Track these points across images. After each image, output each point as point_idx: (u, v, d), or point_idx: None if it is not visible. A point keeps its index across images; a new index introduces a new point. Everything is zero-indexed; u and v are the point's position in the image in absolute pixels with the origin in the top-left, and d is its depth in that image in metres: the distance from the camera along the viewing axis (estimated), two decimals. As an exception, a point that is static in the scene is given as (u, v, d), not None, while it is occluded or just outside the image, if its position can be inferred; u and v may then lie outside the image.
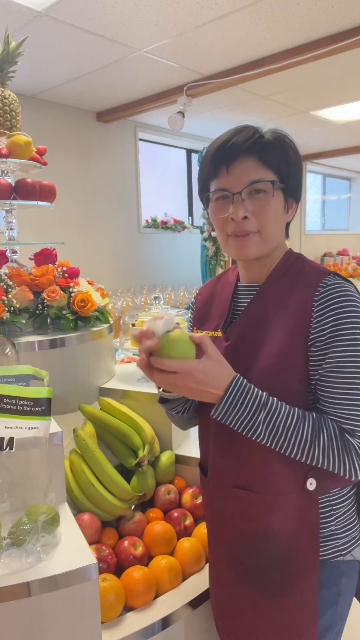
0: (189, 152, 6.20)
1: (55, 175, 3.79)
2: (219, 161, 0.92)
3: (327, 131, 5.73)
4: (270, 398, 0.87)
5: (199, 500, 1.44)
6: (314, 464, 0.89)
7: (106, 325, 1.68)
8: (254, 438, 0.88)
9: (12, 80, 1.66)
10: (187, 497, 1.45)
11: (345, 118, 5.22)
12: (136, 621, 1.08)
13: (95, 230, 4.89)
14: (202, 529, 1.35)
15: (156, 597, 1.16)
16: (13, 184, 1.62)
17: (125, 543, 1.24)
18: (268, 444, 0.88)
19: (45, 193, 1.68)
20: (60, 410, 1.48)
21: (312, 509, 0.93)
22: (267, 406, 0.86)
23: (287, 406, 0.88)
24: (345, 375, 0.86)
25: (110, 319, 1.73)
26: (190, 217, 6.33)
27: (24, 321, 1.48)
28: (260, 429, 0.86)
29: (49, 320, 1.57)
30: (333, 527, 0.96)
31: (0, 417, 0.87)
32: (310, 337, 0.88)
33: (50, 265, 1.64)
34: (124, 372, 1.84)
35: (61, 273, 1.64)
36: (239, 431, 0.88)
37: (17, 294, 1.49)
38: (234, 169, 0.91)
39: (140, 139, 5.35)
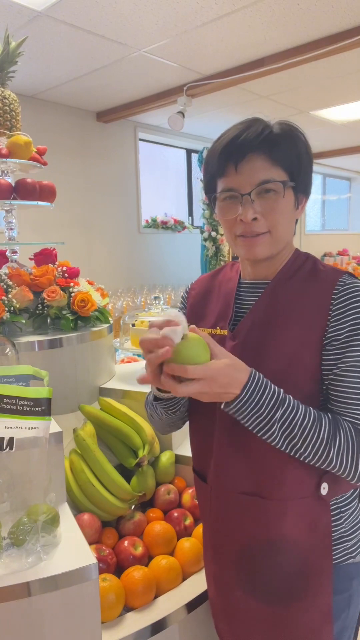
0: (189, 152, 6.20)
1: (55, 175, 3.79)
2: (226, 159, 0.88)
3: (327, 131, 5.73)
4: (288, 396, 0.84)
5: (199, 500, 1.44)
6: (323, 466, 0.86)
7: (106, 325, 1.68)
8: (265, 437, 0.84)
9: (12, 80, 1.66)
10: (187, 497, 1.45)
11: (345, 118, 5.22)
12: (136, 621, 1.08)
13: (95, 230, 4.89)
14: (202, 529, 1.35)
15: (156, 597, 1.16)
16: (13, 184, 1.62)
17: (125, 543, 1.24)
18: (279, 445, 0.84)
19: (45, 193, 1.68)
20: (60, 410, 1.48)
21: (324, 513, 0.91)
22: (284, 403, 0.82)
23: (304, 405, 0.84)
24: None
25: (110, 319, 1.73)
26: (190, 217, 6.33)
27: (24, 321, 1.48)
28: (275, 427, 0.82)
29: (49, 320, 1.57)
30: (342, 530, 0.94)
31: (0, 417, 0.87)
32: (327, 336, 0.86)
33: (50, 265, 1.64)
34: (124, 372, 1.84)
35: (61, 273, 1.63)
36: (252, 429, 0.84)
37: (17, 294, 1.49)
38: (242, 168, 0.87)
39: (140, 139, 5.36)
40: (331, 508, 0.93)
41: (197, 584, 1.21)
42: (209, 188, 0.95)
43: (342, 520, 0.94)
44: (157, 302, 1.88)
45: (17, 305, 1.48)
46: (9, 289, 1.50)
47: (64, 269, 1.66)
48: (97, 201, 4.88)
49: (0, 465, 0.92)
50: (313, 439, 0.83)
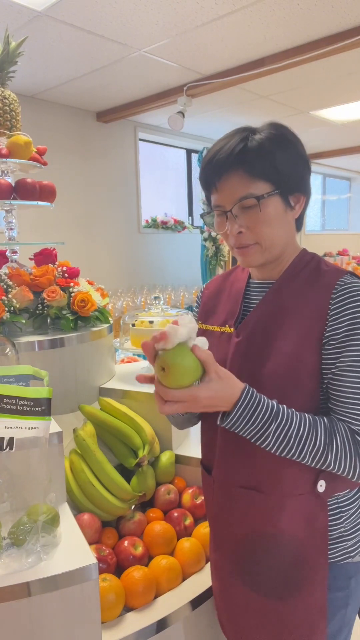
0: (189, 152, 6.20)
1: (55, 175, 3.79)
2: (207, 179, 0.93)
3: (327, 131, 5.73)
4: (282, 408, 0.86)
5: (199, 500, 1.44)
6: (322, 468, 0.88)
7: (106, 325, 1.68)
8: (263, 447, 0.87)
9: (12, 80, 1.66)
10: (187, 497, 1.45)
11: (345, 118, 5.22)
12: (136, 621, 1.08)
13: (95, 230, 4.89)
14: (202, 529, 1.35)
15: (156, 597, 1.16)
16: (13, 184, 1.62)
17: (125, 543, 1.24)
18: (277, 453, 0.87)
19: (45, 193, 1.68)
20: (60, 410, 1.48)
21: (321, 511, 0.93)
22: (278, 417, 0.85)
23: (299, 415, 0.86)
24: (358, 375, 0.86)
25: (110, 319, 1.73)
26: (190, 217, 6.33)
27: (24, 321, 1.48)
28: (270, 439, 0.85)
29: (49, 320, 1.57)
30: (342, 529, 0.95)
31: (0, 417, 0.87)
32: (325, 335, 0.88)
33: (50, 265, 1.64)
34: (124, 372, 1.84)
35: (61, 273, 1.63)
36: (248, 439, 0.87)
37: (17, 294, 1.49)
38: (222, 186, 0.91)
39: (140, 139, 5.36)
40: (331, 507, 0.94)
41: (197, 583, 1.21)
42: (208, 201, 0.99)
43: (341, 520, 0.95)
44: (157, 302, 1.88)
45: (17, 305, 1.48)
46: (9, 289, 1.50)
47: (64, 269, 1.66)
48: (97, 201, 4.88)
49: (0, 465, 0.92)
50: (309, 447, 0.85)
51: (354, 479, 0.89)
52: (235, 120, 5.10)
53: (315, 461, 0.86)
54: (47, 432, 0.91)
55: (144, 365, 1.93)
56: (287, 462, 0.90)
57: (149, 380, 0.86)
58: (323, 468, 0.88)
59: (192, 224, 6.19)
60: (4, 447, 0.87)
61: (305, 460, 0.87)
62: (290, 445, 0.85)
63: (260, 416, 0.84)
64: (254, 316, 0.97)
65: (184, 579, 1.23)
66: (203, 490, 1.14)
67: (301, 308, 0.91)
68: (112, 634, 1.04)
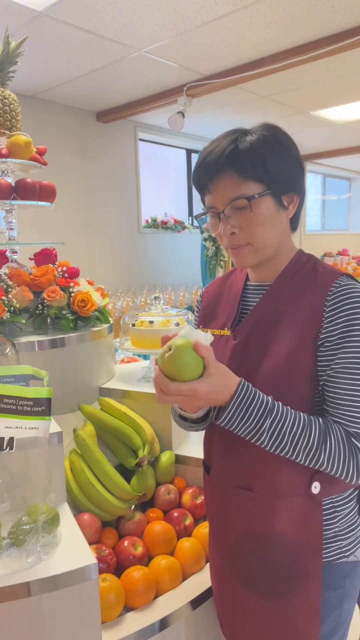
0: (189, 152, 6.20)
1: (55, 175, 3.79)
2: (199, 181, 0.94)
3: (327, 131, 5.73)
4: (277, 404, 0.86)
5: (199, 500, 1.44)
6: (316, 467, 0.88)
7: (106, 325, 1.68)
8: (257, 444, 0.88)
9: (12, 80, 1.66)
10: (187, 497, 1.45)
11: (345, 118, 5.22)
12: (136, 621, 1.08)
13: (95, 230, 4.89)
14: (202, 529, 1.35)
15: (156, 597, 1.16)
16: (13, 184, 1.62)
17: (125, 543, 1.24)
18: (272, 451, 0.87)
19: (45, 193, 1.68)
20: (60, 410, 1.48)
21: (315, 511, 0.93)
22: (273, 412, 0.85)
23: (293, 412, 0.87)
24: (353, 377, 0.86)
25: (110, 319, 1.73)
26: (190, 217, 6.32)
27: (24, 321, 1.48)
28: (265, 435, 0.85)
29: (49, 320, 1.57)
30: (337, 529, 0.96)
31: (0, 417, 0.87)
32: (321, 337, 0.88)
33: (50, 265, 1.64)
34: (124, 372, 1.84)
35: (61, 273, 1.64)
36: (244, 437, 0.88)
37: (17, 294, 1.49)
38: (214, 187, 0.92)
39: (140, 139, 5.35)
40: (326, 507, 0.95)
41: (197, 583, 1.21)
42: (203, 203, 1.00)
43: (336, 520, 0.96)
44: (157, 302, 1.88)
45: (17, 305, 1.48)
46: (9, 289, 1.50)
47: (64, 269, 1.66)
48: (97, 201, 4.88)
49: (0, 465, 0.92)
50: (303, 445, 0.86)
51: (348, 481, 0.88)
52: (235, 120, 5.10)
53: (308, 460, 0.87)
54: (47, 432, 0.91)
55: (144, 365, 1.93)
56: (282, 463, 0.90)
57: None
58: (317, 468, 0.88)
59: (192, 224, 6.18)
60: (4, 447, 0.87)
61: (299, 458, 0.87)
62: (284, 442, 0.85)
63: (256, 410, 0.85)
64: (251, 319, 0.98)
65: (184, 579, 1.23)
66: (203, 490, 1.15)
67: (297, 310, 0.92)
68: (112, 634, 1.04)
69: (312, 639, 0.96)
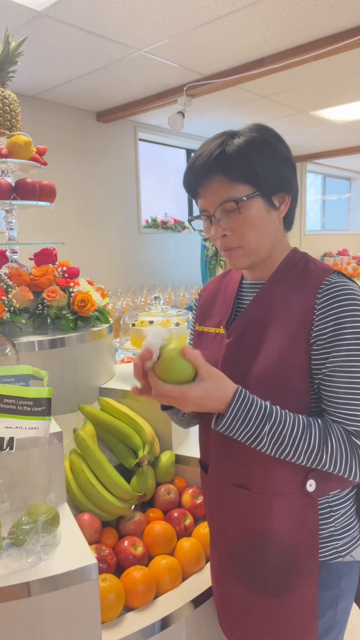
0: (189, 152, 6.20)
1: (55, 175, 3.79)
2: (189, 185, 0.95)
3: (327, 131, 5.73)
4: (275, 408, 0.86)
5: (199, 500, 1.44)
6: (318, 468, 0.88)
7: (106, 325, 1.68)
8: (258, 448, 0.87)
9: (12, 80, 1.66)
10: (187, 497, 1.45)
11: (345, 118, 5.22)
12: (136, 621, 1.08)
13: (95, 230, 4.89)
14: (202, 529, 1.35)
15: (156, 597, 1.16)
16: (13, 184, 1.62)
17: (125, 543, 1.24)
18: (272, 454, 0.87)
19: (45, 193, 1.68)
20: (60, 410, 1.48)
21: (311, 510, 0.93)
22: (271, 417, 0.85)
23: (292, 415, 0.87)
24: (350, 375, 0.86)
25: (110, 319, 1.73)
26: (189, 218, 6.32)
27: (24, 321, 1.48)
28: (265, 440, 0.85)
29: (49, 320, 1.57)
30: (332, 529, 0.96)
31: (0, 417, 0.87)
32: (312, 335, 0.88)
33: (50, 265, 1.64)
34: (124, 372, 1.84)
35: (61, 273, 1.64)
36: (243, 442, 0.88)
37: (17, 294, 1.49)
38: (204, 191, 0.93)
39: (140, 139, 5.35)
40: (322, 506, 0.95)
41: (197, 583, 1.21)
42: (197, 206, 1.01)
43: (332, 520, 0.96)
44: (157, 302, 1.88)
45: (17, 305, 1.48)
46: (9, 289, 1.50)
47: (64, 269, 1.66)
48: (97, 201, 4.88)
49: (0, 465, 0.92)
50: (304, 448, 0.85)
51: (351, 479, 0.89)
52: (235, 120, 5.10)
53: (310, 461, 0.87)
54: (47, 432, 0.91)
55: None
56: (277, 461, 0.90)
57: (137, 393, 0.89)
58: (319, 468, 0.88)
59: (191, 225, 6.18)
60: (4, 447, 0.87)
61: (301, 460, 0.87)
62: (284, 445, 0.85)
63: (254, 417, 0.84)
64: (244, 317, 0.98)
65: (184, 579, 1.23)
66: (201, 488, 1.15)
67: (289, 308, 0.92)
68: (112, 634, 1.04)
69: (308, 637, 0.96)
